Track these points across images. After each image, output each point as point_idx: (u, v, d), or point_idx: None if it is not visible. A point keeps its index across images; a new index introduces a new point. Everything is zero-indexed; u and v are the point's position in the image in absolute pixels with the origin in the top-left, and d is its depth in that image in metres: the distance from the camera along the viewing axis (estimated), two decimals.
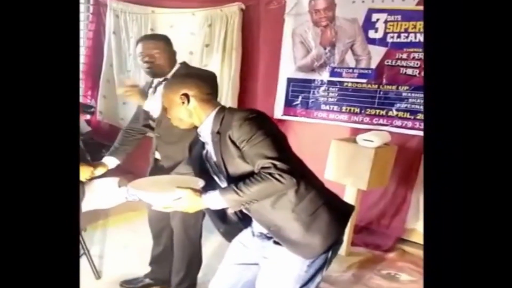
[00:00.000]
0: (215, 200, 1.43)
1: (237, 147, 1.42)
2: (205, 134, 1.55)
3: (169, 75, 2.12)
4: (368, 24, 3.20)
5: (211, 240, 2.70)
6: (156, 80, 2.18)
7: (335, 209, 1.49)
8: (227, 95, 3.76)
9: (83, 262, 2.59)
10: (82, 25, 4.58)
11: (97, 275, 2.55)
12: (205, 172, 1.60)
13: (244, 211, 1.53)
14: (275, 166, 1.35)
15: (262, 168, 1.37)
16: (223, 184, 1.56)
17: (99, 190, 1.92)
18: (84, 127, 4.37)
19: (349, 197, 2.88)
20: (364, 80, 3.29)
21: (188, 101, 1.52)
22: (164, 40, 2.14)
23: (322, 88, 3.48)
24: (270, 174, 1.35)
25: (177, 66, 2.16)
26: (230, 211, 1.63)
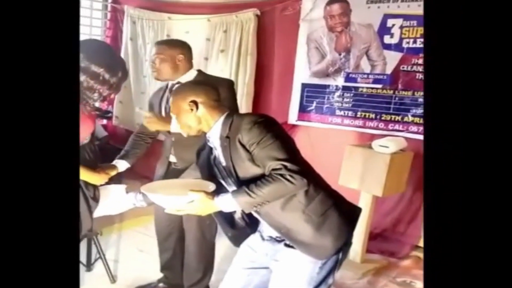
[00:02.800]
0: (228, 202, 1.44)
1: (247, 150, 1.44)
2: (214, 139, 1.57)
3: (182, 79, 2.14)
4: (384, 29, 3.19)
5: (221, 244, 2.71)
6: (170, 83, 2.21)
7: (344, 210, 1.51)
8: (242, 101, 3.77)
9: (99, 266, 2.62)
10: (100, 31, 4.65)
11: (112, 279, 2.57)
12: (213, 177, 1.62)
13: (254, 214, 1.54)
14: (285, 167, 1.37)
15: (273, 169, 1.39)
16: (231, 188, 1.57)
17: (107, 196, 1.95)
18: (101, 132, 4.42)
19: (364, 203, 2.85)
20: (379, 86, 3.27)
21: (197, 108, 1.54)
22: (166, 44, 2.17)
23: (337, 94, 3.47)
24: (281, 175, 1.37)
25: (193, 72, 2.18)
26: (237, 216, 1.65)
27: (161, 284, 2.49)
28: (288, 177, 1.36)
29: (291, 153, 1.43)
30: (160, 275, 2.50)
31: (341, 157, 2.97)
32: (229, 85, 2.16)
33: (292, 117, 3.67)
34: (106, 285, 2.54)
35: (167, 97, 2.20)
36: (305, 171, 1.41)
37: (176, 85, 2.13)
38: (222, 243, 2.64)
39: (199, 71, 2.22)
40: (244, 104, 3.75)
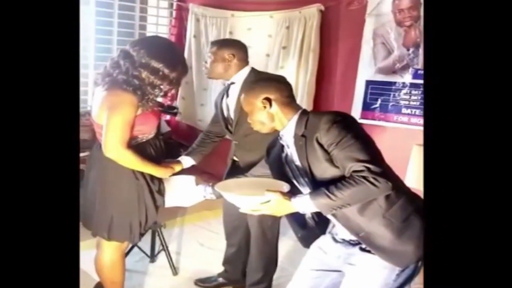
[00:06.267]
0: (305, 204, 1.40)
1: (325, 151, 1.40)
2: (287, 138, 1.53)
3: (235, 78, 2.16)
4: None
5: (285, 243, 2.69)
6: (226, 83, 2.24)
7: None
8: (303, 98, 3.72)
9: (162, 258, 2.69)
10: (165, 30, 4.79)
11: (175, 271, 2.63)
12: (284, 175, 1.59)
13: (329, 217, 1.49)
14: (368, 169, 1.31)
15: (355, 171, 1.33)
16: (303, 188, 1.54)
17: (178, 188, 1.98)
18: (164, 127, 4.56)
19: None
20: None
21: (270, 105, 1.52)
22: (216, 45, 2.19)
23: (404, 91, 3.32)
24: (364, 177, 1.31)
25: (246, 70, 2.18)
26: (307, 216, 1.61)
27: (220, 279, 2.52)
28: (372, 180, 1.30)
29: (374, 155, 1.37)
30: (219, 270, 2.53)
31: (407, 157, 2.85)
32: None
33: (355, 116, 3.55)
34: (169, 276, 2.61)
35: (225, 97, 2.25)
36: (388, 173, 1.35)
37: (231, 84, 2.15)
38: (286, 243, 2.63)
39: (252, 69, 2.22)
40: (304, 102, 3.69)
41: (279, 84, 1.59)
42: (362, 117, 3.53)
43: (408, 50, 3.24)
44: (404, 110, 3.33)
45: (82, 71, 4.26)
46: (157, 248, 2.74)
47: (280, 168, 1.61)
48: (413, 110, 3.28)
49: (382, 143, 3.30)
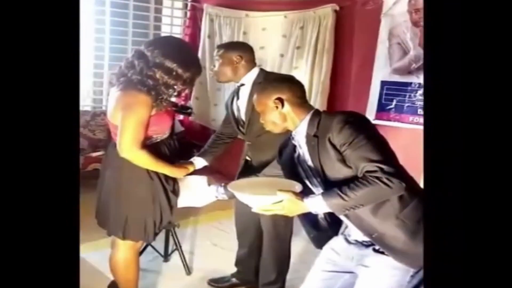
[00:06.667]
0: (318, 204, 1.40)
1: (338, 151, 1.39)
2: (300, 138, 1.53)
3: (244, 80, 2.16)
4: None
5: (297, 243, 2.67)
6: (236, 85, 2.24)
7: None
8: (316, 99, 3.70)
9: (175, 257, 2.70)
10: (179, 30, 4.81)
11: (188, 271, 2.64)
12: (296, 175, 1.59)
13: (342, 217, 1.48)
14: (381, 169, 1.30)
15: (367, 172, 1.32)
16: (316, 188, 1.53)
17: (190, 188, 1.98)
18: (177, 127, 4.58)
19: None
20: None
21: (282, 105, 1.51)
22: (224, 48, 2.20)
23: (420, 92, 3.27)
24: (377, 178, 1.30)
25: (255, 72, 2.18)
26: (320, 216, 1.60)
27: (233, 279, 2.52)
28: (385, 180, 1.29)
29: (387, 155, 1.36)
30: (233, 270, 2.53)
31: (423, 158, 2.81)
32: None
33: (370, 116, 3.51)
34: (182, 276, 2.61)
35: (235, 99, 2.25)
36: (402, 174, 1.34)
37: (241, 86, 2.15)
38: (298, 244, 2.62)
39: (261, 70, 2.22)
40: (318, 102, 3.67)
41: (292, 84, 1.59)
42: (377, 118, 3.50)
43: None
44: (419, 111, 3.28)
45: (97, 71, 4.32)
46: (170, 248, 2.75)
47: (293, 168, 1.60)
48: None
49: (397, 144, 3.27)
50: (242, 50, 2.19)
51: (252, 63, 2.20)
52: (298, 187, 1.49)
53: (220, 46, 2.28)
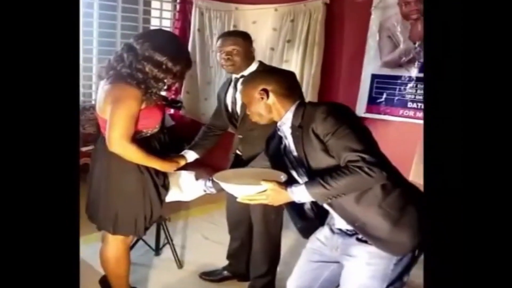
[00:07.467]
0: (301, 193, 1.42)
1: (321, 141, 1.40)
2: (285, 129, 1.54)
3: (246, 72, 2.13)
4: None
5: (287, 236, 2.68)
6: (234, 77, 2.21)
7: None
8: (307, 92, 3.70)
9: (167, 251, 2.70)
10: (169, 23, 4.77)
11: (179, 264, 2.64)
12: (283, 166, 1.60)
13: (326, 206, 1.50)
14: (363, 159, 1.32)
15: (349, 161, 1.34)
16: (301, 178, 1.55)
17: (178, 183, 1.98)
18: (168, 121, 4.56)
19: None
20: None
21: (268, 96, 1.52)
22: (242, 37, 2.16)
23: (410, 85, 3.29)
24: (358, 167, 1.31)
25: (255, 64, 2.17)
26: (307, 207, 1.62)
27: (225, 272, 2.53)
28: (366, 170, 1.30)
29: (369, 145, 1.38)
30: (224, 263, 2.53)
31: (413, 151, 2.84)
32: (291, 75, 2.13)
33: (360, 109, 3.54)
34: (173, 270, 2.61)
35: (232, 92, 2.22)
36: (384, 163, 1.35)
37: (241, 78, 2.14)
38: (288, 237, 2.63)
39: (260, 63, 2.21)
40: (309, 95, 3.67)
41: (278, 76, 1.60)
42: (367, 111, 3.52)
43: (414, 43, 3.21)
44: (410, 104, 3.31)
45: (86, 64, 4.26)
46: (162, 242, 2.75)
47: (279, 160, 1.62)
48: (419, 105, 3.26)
49: (388, 137, 3.33)
50: (252, 41, 2.18)
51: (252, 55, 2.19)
52: (283, 177, 1.51)
53: (237, 34, 2.23)
